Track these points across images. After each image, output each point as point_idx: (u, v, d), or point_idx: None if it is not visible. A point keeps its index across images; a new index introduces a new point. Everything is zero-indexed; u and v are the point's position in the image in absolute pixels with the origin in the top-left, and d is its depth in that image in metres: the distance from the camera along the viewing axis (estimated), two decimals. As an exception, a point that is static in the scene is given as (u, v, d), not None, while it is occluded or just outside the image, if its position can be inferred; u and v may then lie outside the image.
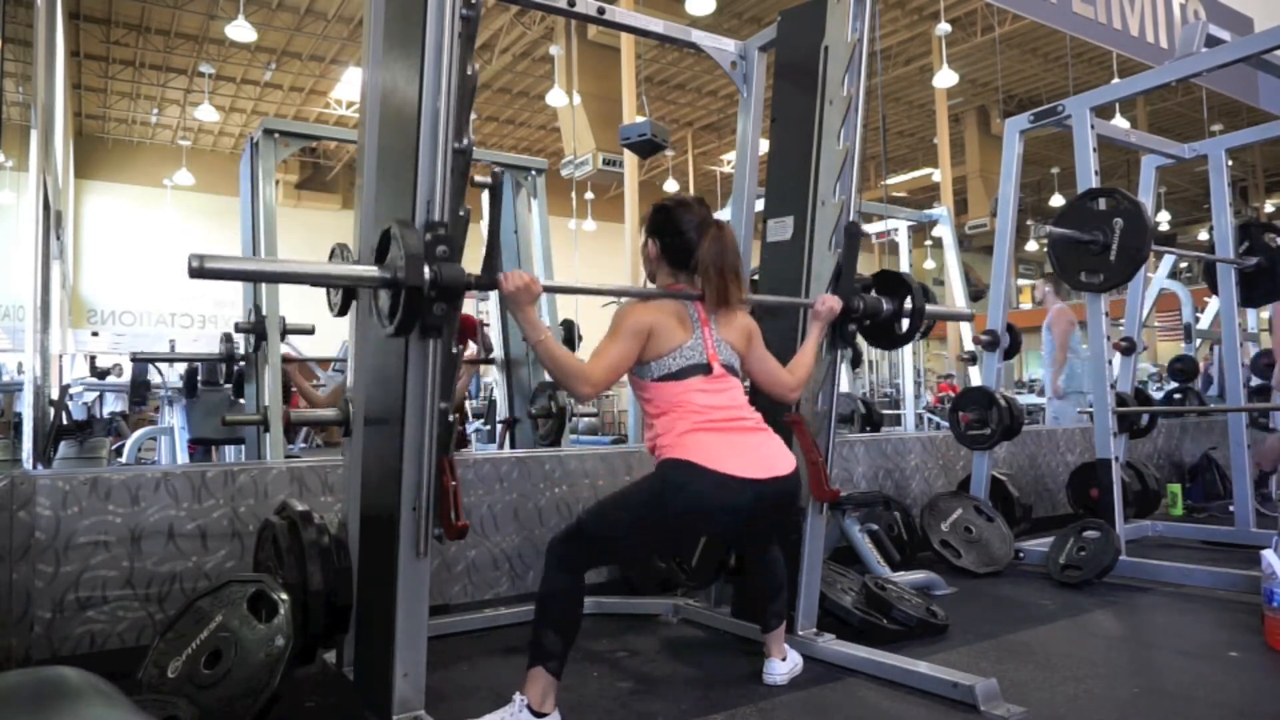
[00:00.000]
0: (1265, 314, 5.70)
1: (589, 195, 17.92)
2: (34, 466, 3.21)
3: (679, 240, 2.16)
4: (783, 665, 2.30)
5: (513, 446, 4.83)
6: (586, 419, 12.00)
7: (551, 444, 4.43)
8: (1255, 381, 5.07)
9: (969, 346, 5.83)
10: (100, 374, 7.40)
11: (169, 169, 17.10)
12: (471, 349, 5.03)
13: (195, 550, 2.55)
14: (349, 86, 15.28)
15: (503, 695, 2.01)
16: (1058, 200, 18.72)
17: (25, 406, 3.51)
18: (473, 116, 1.85)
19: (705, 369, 2.09)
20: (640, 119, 4.31)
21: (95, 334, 15.63)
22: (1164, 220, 20.71)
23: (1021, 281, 22.93)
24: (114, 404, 7.51)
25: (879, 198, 11.01)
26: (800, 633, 2.54)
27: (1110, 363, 3.79)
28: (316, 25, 13.62)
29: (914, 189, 21.37)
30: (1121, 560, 3.47)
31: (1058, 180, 19.64)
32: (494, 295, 4.87)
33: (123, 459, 5.70)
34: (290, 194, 18.85)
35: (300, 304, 3.82)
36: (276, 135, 4.06)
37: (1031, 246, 20.22)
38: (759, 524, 2.20)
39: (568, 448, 4.05)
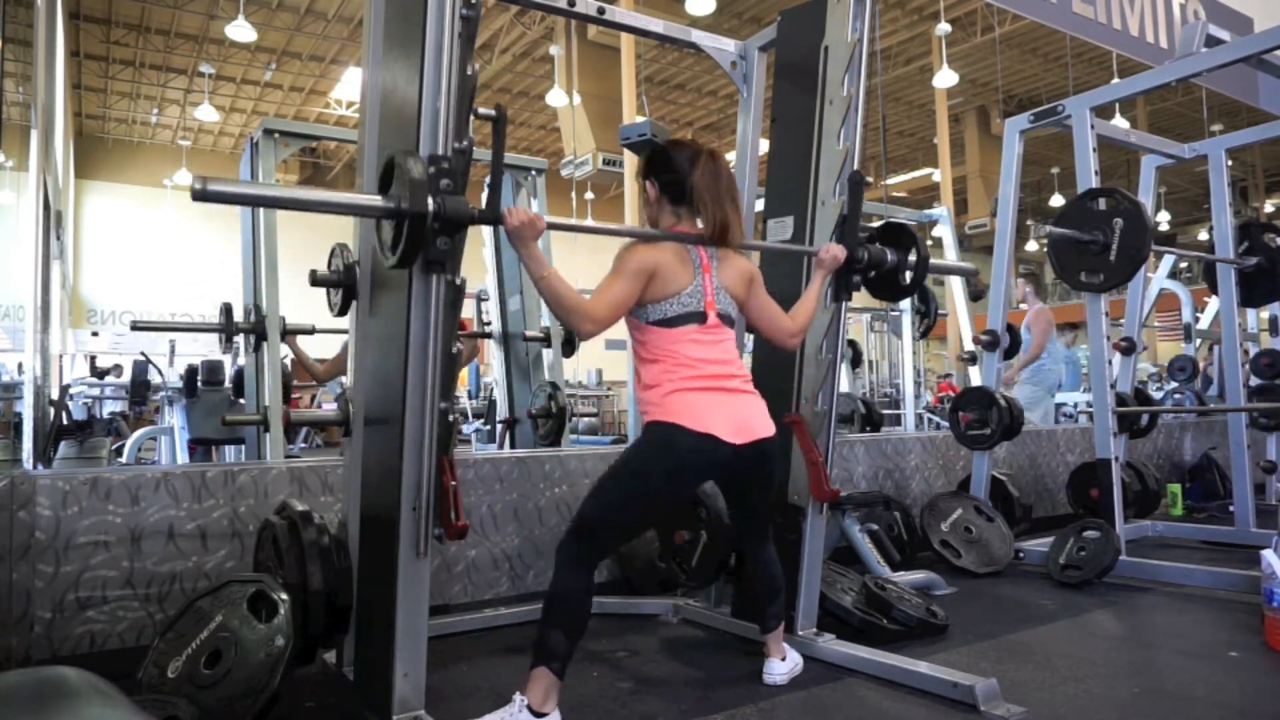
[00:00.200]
0: (1265, 314, 5.69)
1: (589, 195, 17.91)
2: (34, 466, 3.20)
3: (675, 175, 2.17)
4: (783, 665, 2.31)
5: (513, 446, 4.84)
6: (586, 419, 12.02)
7: (551, 444, 4.44)
8: (1255, 381, 5.07)
9: (969, 346, 5.81)
10: (100, 374, 7.40)
11: (169, 169, 17.08)
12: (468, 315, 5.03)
13: (195, 550, 2.55)
14: (349, 86, 15.25)
15: (503, 695, 2.01)
16: (1058, 200, 18.72)
17: (25, 406, 3.50)
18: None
19: (700, 317, 2.11)
20: (640, 119, 4.30)
21: (95, 334, 15.61)
22: (1164, 220, 20.71)
23: (1021, 281, 22.86)
24: (113, 404, 7.50)
25: (879, 198, 11.02)
26: (800, 633, 2.54)
27: (1110, 363, 3.79)
28: (316, 25, 13.61)
29: (914, 189, 21.35)
30: (1121, 560, 3.48)
31: (1058, 180, 19.63)
32: (490, 277, 4.90)
33: (123, 459, 5.69)
34: (290, 194, 18.82)
35: (300, 304, 3.81)
36: (276, 135, 4.06)
37: (1031, 246, 20.21)
38: (739, 480, 2.25)
39: (568, 448, 4.06)
